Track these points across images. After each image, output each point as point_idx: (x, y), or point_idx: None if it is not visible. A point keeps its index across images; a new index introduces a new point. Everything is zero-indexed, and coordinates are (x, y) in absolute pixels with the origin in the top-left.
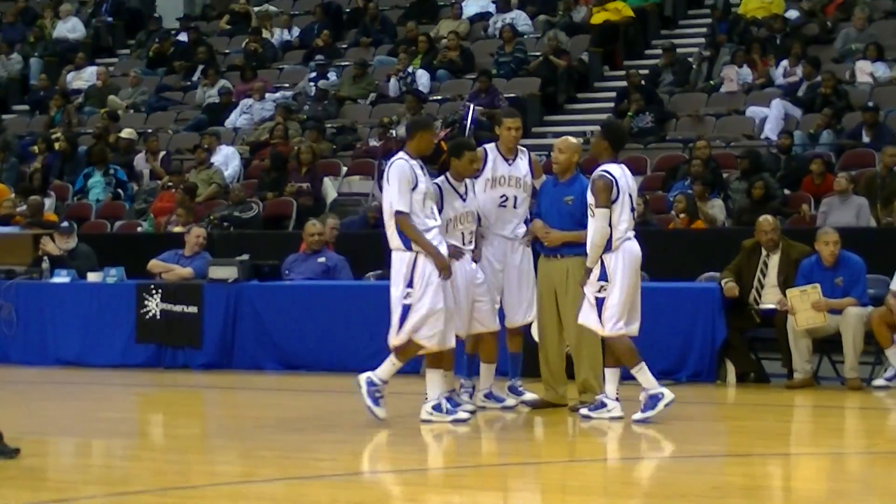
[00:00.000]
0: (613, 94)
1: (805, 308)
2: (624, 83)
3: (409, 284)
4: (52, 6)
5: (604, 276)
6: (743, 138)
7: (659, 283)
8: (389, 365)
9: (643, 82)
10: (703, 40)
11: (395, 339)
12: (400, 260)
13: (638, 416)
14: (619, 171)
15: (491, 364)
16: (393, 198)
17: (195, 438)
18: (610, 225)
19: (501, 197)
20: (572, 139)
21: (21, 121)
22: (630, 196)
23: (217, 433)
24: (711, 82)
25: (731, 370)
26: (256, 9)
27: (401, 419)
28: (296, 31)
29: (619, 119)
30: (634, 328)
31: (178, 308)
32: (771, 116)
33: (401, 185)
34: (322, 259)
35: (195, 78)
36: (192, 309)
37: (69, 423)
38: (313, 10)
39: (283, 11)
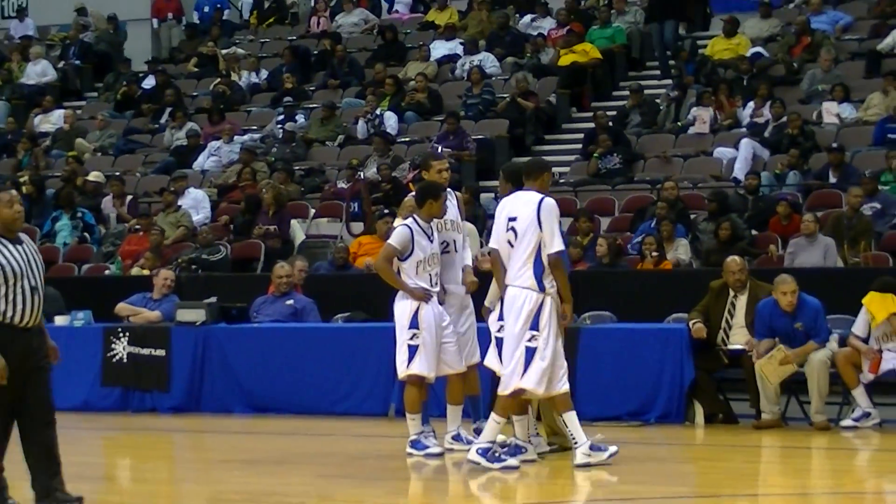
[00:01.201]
0: (581, 136)
1: (774, 368)
2: (592, 124)
3: (535, 327)
4: (20, 49)
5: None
6: (711, 179)
7: (627, 325)
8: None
9: (611, 123)
10: (670, 81)
11: (521, 384)
12: (527, 300)
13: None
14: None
15: (458, 405)
16: (554, 238)
17: (163, 482)
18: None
19: (443, 244)
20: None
21: None
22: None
23: (185, 477)
24: (679, 123)
25: (699, 411)
26: (224, 51)
27: (374, 460)
28: (264, 73)
29: (586, 160)
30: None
31: (145, 351)
32: (739, 157)
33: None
34: (290, 301)
35: (163, 120)
36: (160, 352)
37: None
38: (281, 53)
39: (251, 54)
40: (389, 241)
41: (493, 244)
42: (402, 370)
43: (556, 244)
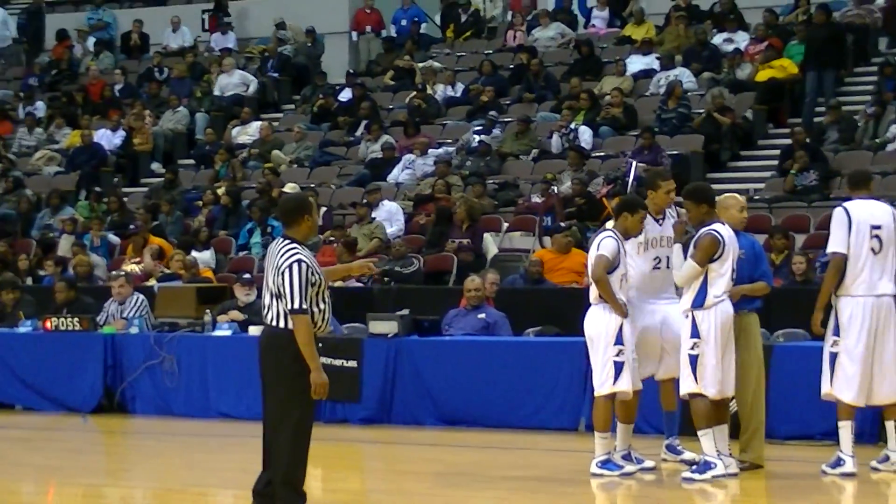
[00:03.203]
0: (777, 152)
1: None
2: (788, 141)
3: (836, 332)
4: (218, 61)
5: (696, 334)
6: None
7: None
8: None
9: (808, 140)
10: (869, 98)
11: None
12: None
13: (687, 475)
14: (726, 232)
15: (630, 424)
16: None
17: (354, 493)
18: (706, 283)
19: (655, 259)
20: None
21: (187, 174)
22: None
23: (376, 487)
24: (877, 140)
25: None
26: (420, 65)
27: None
28: (459, 87)
29: (782, 177)
30: (712, 391)
31: (337, 362)
32: None
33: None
34: (482, 315)
35: (358, 133)
36: (352, 363)
37: (230, 475)
38: (478, 66)
39: (447, 67)
40: (601, 252)
41: (839, 248)
42: (608, 387)
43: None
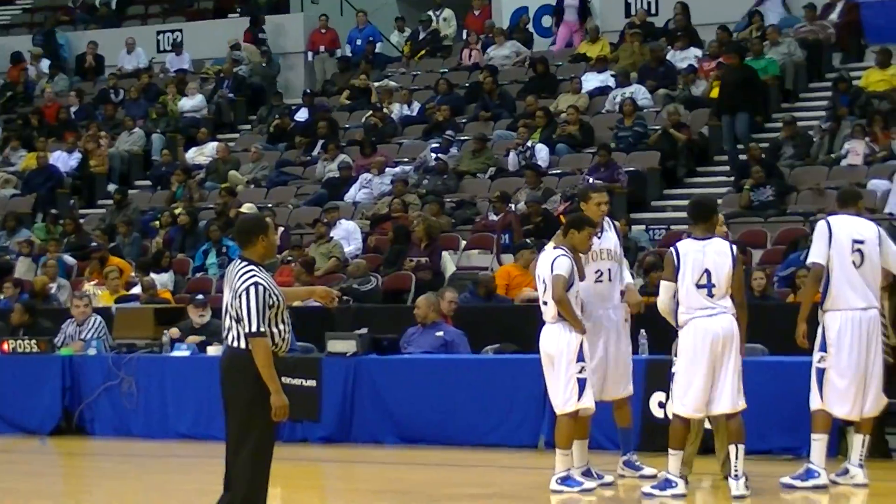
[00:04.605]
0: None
1: None
2: (744, 157)
3: (823, 348)
4: (174, 83)
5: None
6: (865, 212)
7: (780, 358)
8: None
9: (763, 155)
10: (823, 113)
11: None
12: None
13: (647, 489)
14: (688, 247)
15: (585, 440)
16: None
17: None
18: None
19: (596, 272)
20: None
21: (143, 196)
22: (704, 274)
23: None
24: (833, 155)
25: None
26: (376, 84)
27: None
28: (416, 105)
29: (738, 192)
30: (679, 408)
31: (296, 381)
32: (894, 190)
33: None
34: (440, 333)
35: (315, 153)
36: (311, 382)
37: (189, 497)
38: (434, 85)
39: (403, 87)
40: (556, 271)
41: (818, 259)
42: (572, 404)
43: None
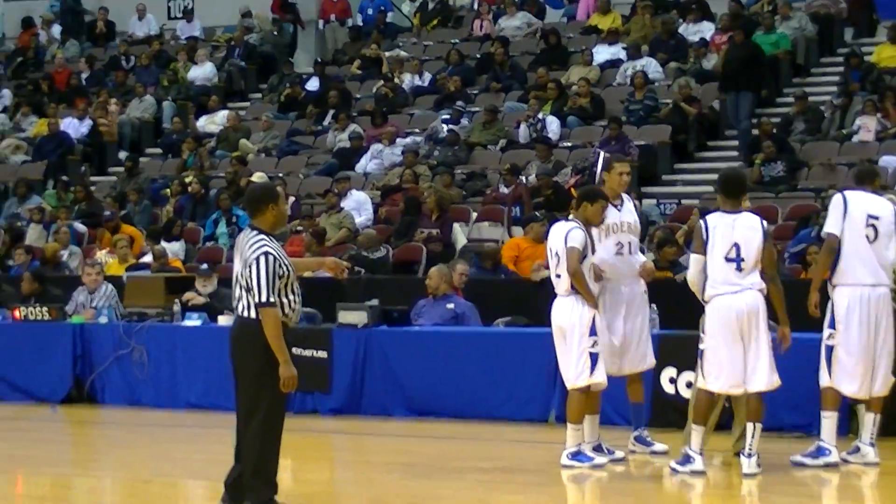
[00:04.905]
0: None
1: None
2: (755, 131)
3: (832, 325)
4: (185, 50)
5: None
6: (881, 190)
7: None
8: None
9: (774, 130)
10: (835, 89)
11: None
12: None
13: (672, 464)
14: (717, 221)
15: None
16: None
17: (324, 484)
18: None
19: (617, 244)
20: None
21: (154, 164)
22: (733, 247)
23: (346, 479)
24: (844, 131)
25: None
26: (387, 54)
27: (534, 466)
28: (427, 76)
29: (749, 167)
30: (714, 385)
31: (307, 352)
32: None
33: None
34: (451, 305)
35: (326, 122)
36: (322, 353)
37: (199, 466)
38: (445, 56)
39: (414, 57)
40: (570, 244)
41: (833, 230)
42: (584, 378)
43: None
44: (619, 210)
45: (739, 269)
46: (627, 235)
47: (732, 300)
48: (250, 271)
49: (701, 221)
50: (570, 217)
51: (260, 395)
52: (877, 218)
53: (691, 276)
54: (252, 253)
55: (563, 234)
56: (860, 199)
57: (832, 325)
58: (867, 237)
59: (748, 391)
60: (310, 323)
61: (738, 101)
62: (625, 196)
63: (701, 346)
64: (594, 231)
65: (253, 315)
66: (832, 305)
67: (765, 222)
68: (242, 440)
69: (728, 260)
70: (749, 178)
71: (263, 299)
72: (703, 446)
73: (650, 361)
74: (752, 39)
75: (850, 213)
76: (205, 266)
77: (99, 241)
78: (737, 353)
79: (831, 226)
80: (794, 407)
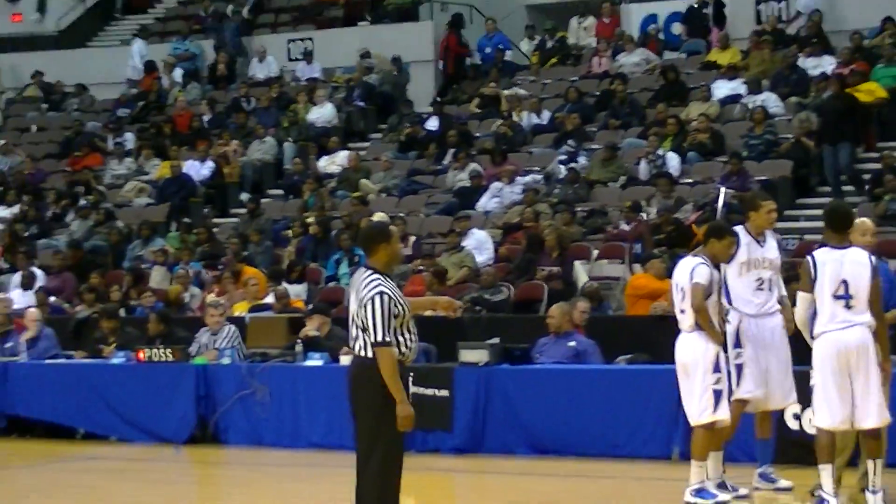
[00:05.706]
0: (867, 177)
1: None
2: (878, 165)
3: None
4: (305, 91)
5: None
6: None
7: None
8: None
9: None
10: None
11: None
12: None
13: None
14: (825, 257)
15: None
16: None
17: None
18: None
19: (757, 280)
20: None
21: (275, 205)
22: (841, 284)
23: None
24: None
25: None
26: (506, 92)
27: None
28: (545, 114)
29: (873, 202)
30: (823, 422)
31: (429, 391)
32: None
33: None
34: (572, 343)
35: (446, 161)
36: (444, 392)
37: None
38: (563, 93)
39: (533, 95)
40: (696, 279)
41: None
42: (708, 415)
43: None
44: (761, 246)
45: (848, 306)
46: (768, 271)
47: (840, 335)
48: (366, 311)
49: (809, 258)
50: (698, 253)
51: (378, 434)
52: None
53: (799, 315)
54: (367, 293)
55: (689, 270)
56: None
57: None
58: None
59: (859, 428)
60: (426, 357)
61: (836, 154)
62: (768, 232)
63: (811, 383)
64: (733, 265)
65: (370, 354)
66: None
67: (873, 257)
68: (361, 480)
69: (836, 297)
70: (872, 213)
71: (379, 339)
72: (835, 486)
73: (793, 397)
74: (845, 93)
75: None
76: (310, 306)
77: (218, 284)
78: (845, 389)
79: None
80: None
